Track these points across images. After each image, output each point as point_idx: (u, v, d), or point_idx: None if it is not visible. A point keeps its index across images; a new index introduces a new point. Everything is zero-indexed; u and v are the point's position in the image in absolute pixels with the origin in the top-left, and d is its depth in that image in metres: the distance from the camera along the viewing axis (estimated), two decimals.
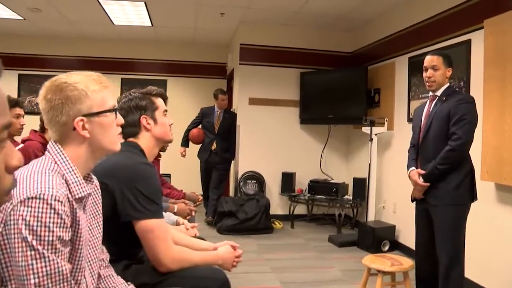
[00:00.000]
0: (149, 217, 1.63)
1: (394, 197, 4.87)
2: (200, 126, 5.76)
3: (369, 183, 5.00)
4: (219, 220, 5.29)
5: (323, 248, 4.72)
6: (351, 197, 5.44)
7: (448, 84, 2.75)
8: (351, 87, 5.42)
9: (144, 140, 1.84)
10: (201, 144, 5.72)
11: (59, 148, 1.24)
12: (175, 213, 3.06)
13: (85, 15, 5.68)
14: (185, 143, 5.73)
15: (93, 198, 1.36)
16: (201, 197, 3.87)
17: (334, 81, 5.67)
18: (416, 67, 4.37)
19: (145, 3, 5.06)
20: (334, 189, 5.46)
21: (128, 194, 1.62)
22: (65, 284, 1.08)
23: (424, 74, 2.75)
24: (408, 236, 4.41)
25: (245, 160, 5.90)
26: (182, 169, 6.65)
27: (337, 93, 5.59)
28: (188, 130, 5.73)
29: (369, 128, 4.97)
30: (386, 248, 4.52)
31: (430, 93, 2.80)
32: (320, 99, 5.78)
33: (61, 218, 1.09)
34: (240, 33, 5.91)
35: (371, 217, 4.96)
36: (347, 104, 5.47)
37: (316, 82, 5.84)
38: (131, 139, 1.83)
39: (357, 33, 5.87)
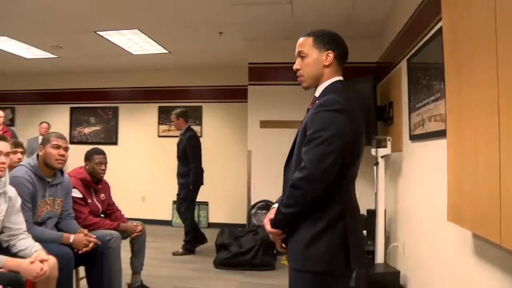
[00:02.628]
0: None
1: (404, 235, 3.92)
2: None
3: (377, 216, 4.11)
4: (217, 252, 4.87)
5: None
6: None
7: (336, 79, 1.76)
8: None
9: None
10: None
11: None
12: (70, 244, 2.81)
13: (99, 48, 5.89)
14: None
15: None
16: (140, 228, 3.54)
17: None
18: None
19: (138, 29, 5.04)
20: None
21: None
22: None
23: None
24: (419, 286, 3.44)
25: (258, 188, 5.42)
26: (220, 198, 6.64)
27: None
28: None
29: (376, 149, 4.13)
30: None
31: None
32: None
33: None
34: (247, 51, 5.54)
35: (380, 258, 4.04)
36: None
37: None
38: None
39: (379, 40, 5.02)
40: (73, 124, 7.49)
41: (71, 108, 7.52)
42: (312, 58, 1.76)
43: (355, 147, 1.70)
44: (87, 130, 7.39)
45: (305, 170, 1.61)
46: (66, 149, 2.99)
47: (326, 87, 1.76)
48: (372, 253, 4.13)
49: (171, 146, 7.18)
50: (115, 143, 7.20)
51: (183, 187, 5.27)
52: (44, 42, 5.63)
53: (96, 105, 7.41)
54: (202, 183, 5.38)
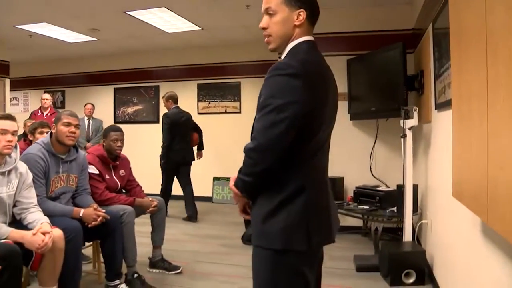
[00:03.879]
0: None
1: (432, 212, 3.67)
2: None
3: (405, 192, 3.88)
4: (246, 228, 4.87)
5: (340, 271, 3.84)
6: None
7: (303, 39, 1.57)
8: (391, 71, 4.29)
9: None
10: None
11: None
12: (80, 218, 2.93)
13: (132, 29, 5.98)
14: None
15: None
16: (155, 203, 3.59)
17: (375, 67, 4.60)
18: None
19: (165, 7, 5.05)
20: (377, 198, 4.43)
21: None
22: None
23: None
24: (445, 266, 3.21)
25: None
26: None
27: (380, 80, 4.52)
28: None
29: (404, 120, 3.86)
30: (411, 280, 3.40)
31: None
32: (365, 89, 4.78)
33: None
34: None
35: (408, 236, 3.83)
36: (389, 93, 4.36)
37: (361, 70, 4.85)
38: None
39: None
40: (117, 104, 7.76)
41: (115, 89, 7.78)
42: (281, 17, 1.56)
43: (316, 115, 1.53)
44: (130, 109, 7.62)
45: (255, 141, 1.49)
46: (76, 126, 3.08)
47: (291, 48, 1.57)
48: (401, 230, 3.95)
49: (210, 123, 7.29)
50: (156, 121, 7.38)
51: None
52: (80, 26, 5.84)
53: (138, 85, 7.62)
54: (180, 161, 5.77)
